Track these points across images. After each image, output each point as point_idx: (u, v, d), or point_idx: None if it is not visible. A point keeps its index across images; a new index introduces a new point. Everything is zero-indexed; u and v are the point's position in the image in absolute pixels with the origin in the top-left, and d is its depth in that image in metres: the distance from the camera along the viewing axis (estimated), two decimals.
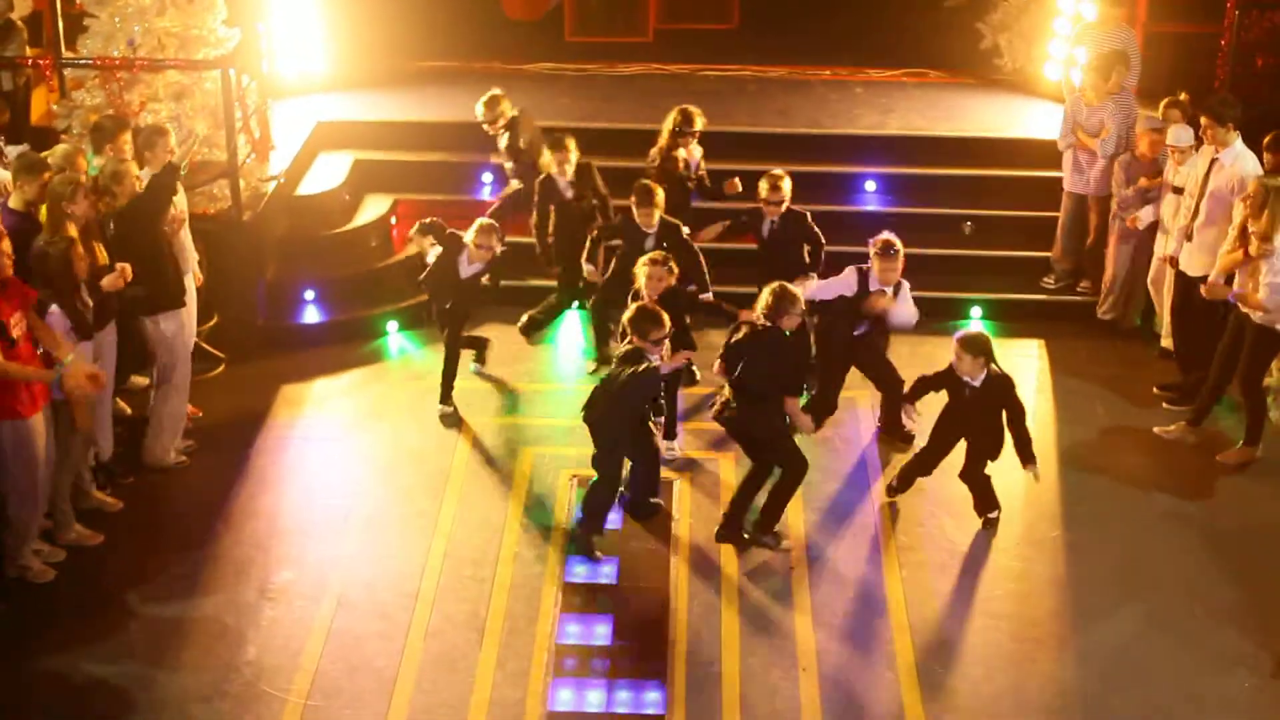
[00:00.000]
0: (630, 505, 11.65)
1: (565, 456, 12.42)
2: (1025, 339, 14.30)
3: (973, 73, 17.78)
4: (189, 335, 12.21)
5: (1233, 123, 12.73)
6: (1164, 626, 10.62)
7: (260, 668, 10.08)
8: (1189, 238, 12.94)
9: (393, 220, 15.40)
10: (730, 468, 12.29)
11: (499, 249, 12.71)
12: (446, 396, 12.99)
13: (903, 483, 11.89)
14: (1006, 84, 17.35)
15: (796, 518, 11.59)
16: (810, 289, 12.26)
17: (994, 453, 11.40)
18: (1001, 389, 11.15)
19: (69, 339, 10.64)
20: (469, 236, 12.60)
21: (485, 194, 15.56)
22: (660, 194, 13.05)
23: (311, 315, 14.49)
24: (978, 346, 11.07)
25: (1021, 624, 10.65)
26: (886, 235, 12.10)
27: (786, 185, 13.05)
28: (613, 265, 13.34)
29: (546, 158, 13.67)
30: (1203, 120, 12.84)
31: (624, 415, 11.10)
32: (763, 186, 13.10)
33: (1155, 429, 12.87)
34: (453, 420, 12.89)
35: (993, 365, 11.12)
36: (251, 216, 14.05)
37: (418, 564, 11.13)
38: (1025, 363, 13.94)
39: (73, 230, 10.87)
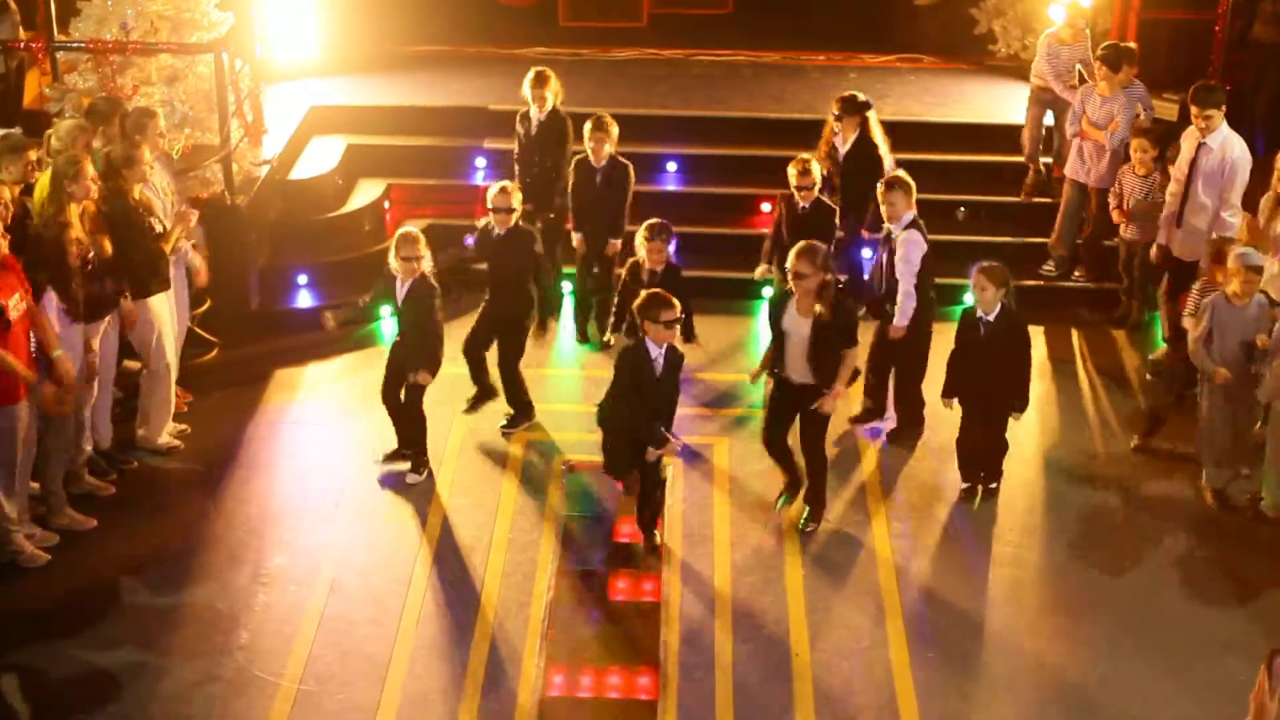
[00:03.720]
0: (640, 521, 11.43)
1: (557, 442, 12.43)
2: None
3: (967, 58, 17.78)
4: (167, 320, 12.10)
5: (1217, 107, 12.75)
6: (1156, 613, 10.65)
7: (253, 652, 10.08)
8: (1178, 223, 12.95)
9: (386, 205, 15.38)
10: (725, 454, 12.30)
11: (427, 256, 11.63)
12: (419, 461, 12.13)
13: (969, 471, 11.88)
14: (1000, 69, 17.34)
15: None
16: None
17: (1007, 404, 11.52)
18: (1014, 323, 11.33)
19: (63, 321, 10.62)
20: (391, 254, 11.64)
21: (478, 179, 15.53)
22: (614, 128, 13.38)
23: (304, 300, 14.48)
24: (1000, 276, 11.23)
25: (1014, 611, 10.67)
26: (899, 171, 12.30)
27: (816, 170, 13.01)
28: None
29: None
30: (1193, 110, 12.85)
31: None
32: (791, 172, 12.98)
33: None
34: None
35: (1007, 300, 11.31)
36: (244, 201, 14.03)
37: (410, 549, 11.13)
38: None
39: (73, 211, 10.86)
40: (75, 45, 13.90)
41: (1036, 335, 14.00)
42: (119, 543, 11.15)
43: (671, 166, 15.65)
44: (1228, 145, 12.71)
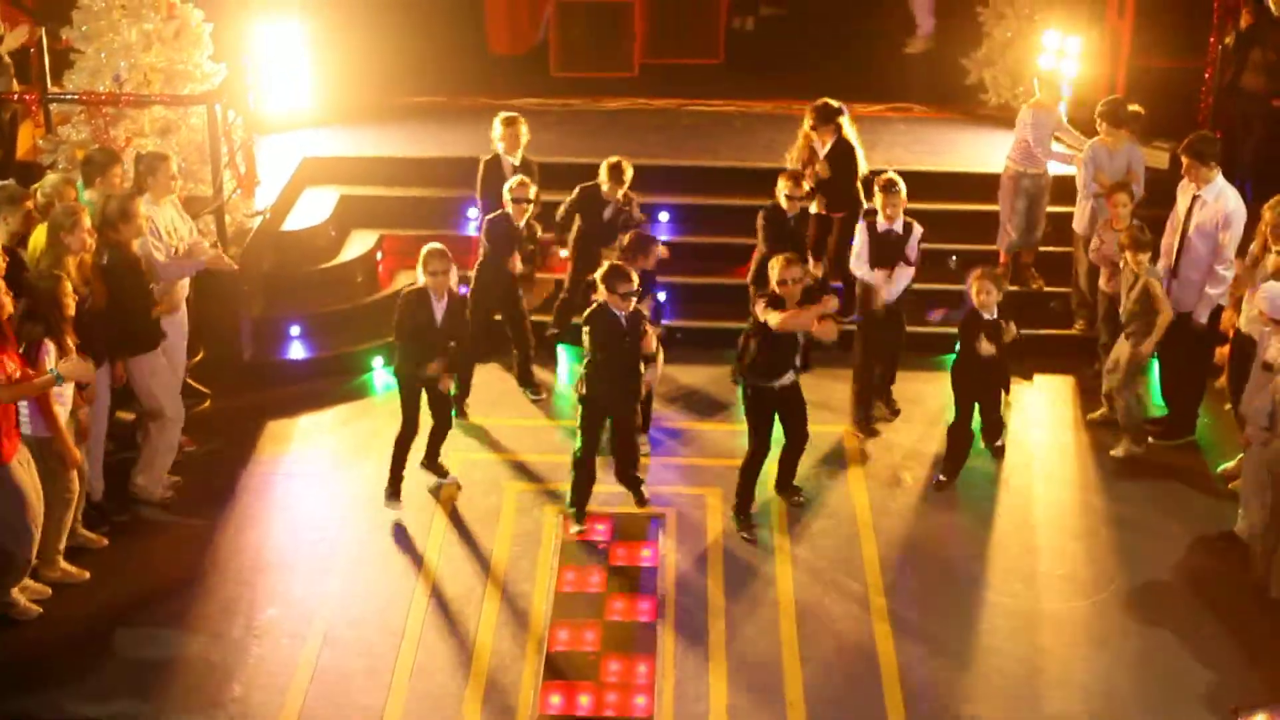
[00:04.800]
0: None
1: (550, 493, 12.41)
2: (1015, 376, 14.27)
3: (957, 108, 17.83)
4: (172, 371, 12.15)
5: (1214, 160, 12.79)
6: (1151, 665, 10.64)
7: (246, 706, 10.05)
8: (1174, 275, 12.97)
9: (378, 256, 15.39)
10: (718, 505, 12.29)
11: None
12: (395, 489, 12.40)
13: (953, 465, 12.77)
14: (991, 119, 17.37)
15: (785, 567, 11.62)
16: (855, 268, 13.31)
17: (1003, 386, 12.92)
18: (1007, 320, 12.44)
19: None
20: (420, 270, 11.95)
21: (471, 230, 15.52)
22: (629, 171, 13.83)
23: (297, 351, 14.46)
24: (1000, 280, 12.42)
25: (1011, 660, 10.65)
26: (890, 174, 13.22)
27: (806, 184, 13.67)
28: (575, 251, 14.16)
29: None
30: (1184, 160, 12.89)
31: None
32: (784, 184, 13.52)
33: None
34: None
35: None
36: (237, 252, 14.01)
37: (403, 601, 11.10)
38: (1013, 396, 13.95)
39: (71, 262, 10.87)
40: (69, 97, 13.94)
41: (1045, 383, 14.17)
42: (111, 595, 11.12)
43: (664, 216, 15.67)
44: (1223, 198, 12.72)
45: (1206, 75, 15.22)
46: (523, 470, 12.80)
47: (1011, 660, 10.65)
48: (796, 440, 12.23)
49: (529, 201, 13.32)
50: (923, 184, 15.60)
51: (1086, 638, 10.88)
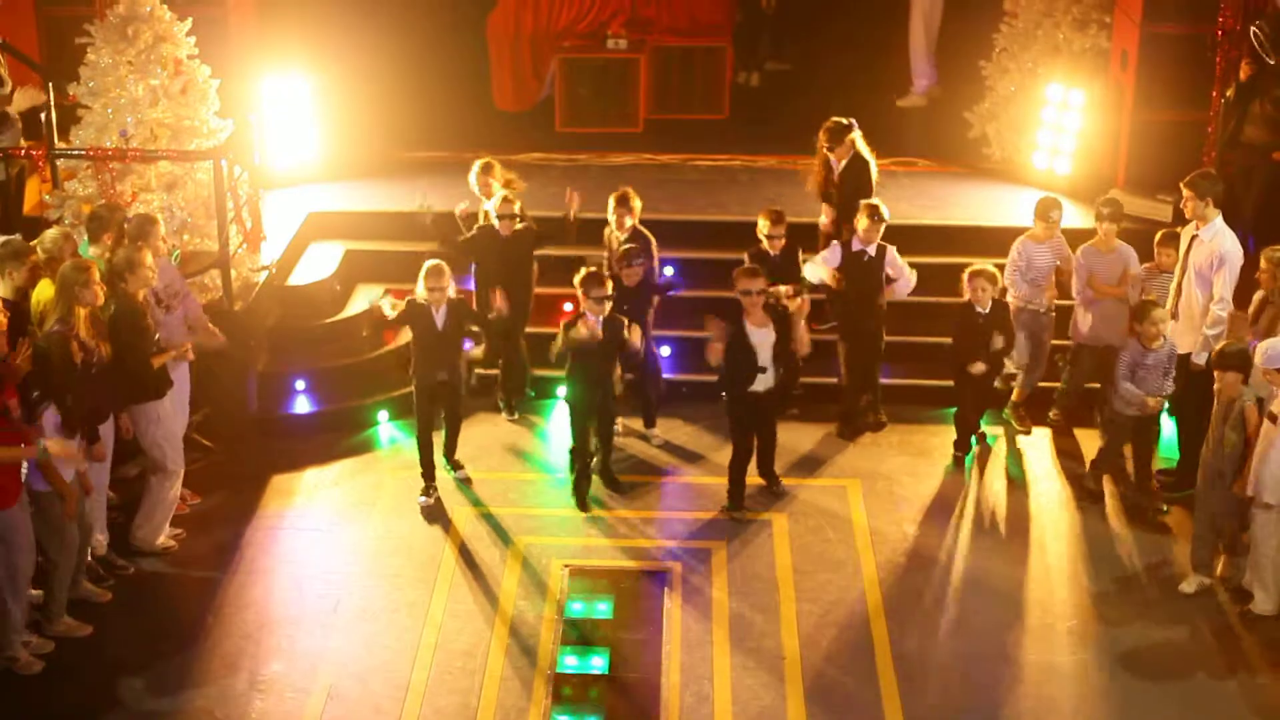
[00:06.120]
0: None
1: (556, 546, 12.39)
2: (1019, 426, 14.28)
3: (961, 161, 17.85)
4: (174, 422, 12.14)
5: (1212, 199, 12.78)
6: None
7: None
8: (1175, 316, 12.98)
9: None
10: (723, 558, 12.26)
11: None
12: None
13: (963, 440, 13.82)
14: (995, 173, 17.41)
15: (790, 621, 11.58)
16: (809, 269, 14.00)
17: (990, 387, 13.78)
18: (1003, 310, 13.52)
19: (58, 435, 10.61)
20: (420, 286, 12.80)
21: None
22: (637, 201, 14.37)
23: (302, 405, 14.46)
24: (993, 277, 13.35)
25: (1019, 714, 10.60)
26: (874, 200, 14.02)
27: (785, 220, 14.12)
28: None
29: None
30: (1184, 193, 12.89)
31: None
32: (763, 223, 14.04)
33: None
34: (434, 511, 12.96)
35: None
36: (243, 306, 14.07)
37: (408, 655, 11.07)
38: (1017, 448, 13.96)
39: (81, 314, 10.90)
40: (75, 152, 14.00)
41: (1041, 434, 14.16)
42: (115, 649, 11.10)
43: (669, 270, 15.68)
44: (1219, 238, 12.74)
45: (1209, 129, 15.26)
46: (527, 523, 12.78)
47: (1020, 714, 10.61)
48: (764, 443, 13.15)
49: (514, 217, 13.95)
50: (926, 238, 15.69)
51: (1096, 691, 10.83)
